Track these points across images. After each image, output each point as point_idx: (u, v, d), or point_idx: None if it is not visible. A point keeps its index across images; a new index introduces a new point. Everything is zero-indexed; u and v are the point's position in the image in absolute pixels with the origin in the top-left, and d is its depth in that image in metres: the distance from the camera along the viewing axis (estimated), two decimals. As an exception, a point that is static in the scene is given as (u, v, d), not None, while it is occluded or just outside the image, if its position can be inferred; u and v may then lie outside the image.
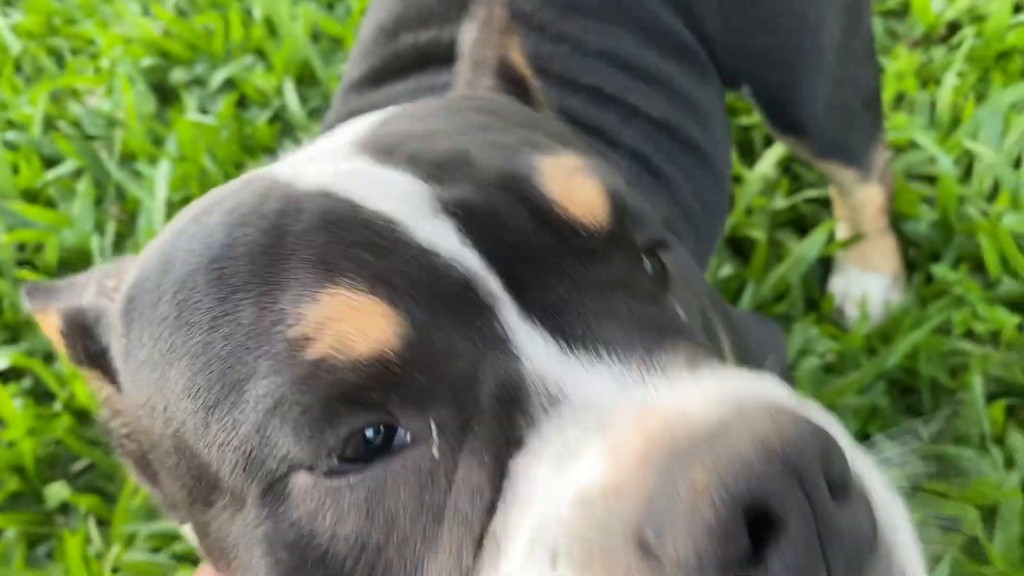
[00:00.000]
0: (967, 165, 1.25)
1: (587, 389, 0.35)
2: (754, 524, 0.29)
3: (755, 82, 0.91)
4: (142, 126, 1.50)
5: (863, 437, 0.76)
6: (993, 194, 1.21)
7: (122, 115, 1.54)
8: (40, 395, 1.22)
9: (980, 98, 1.30)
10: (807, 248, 1.17)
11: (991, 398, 1.03)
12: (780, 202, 1.25)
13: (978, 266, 1.16)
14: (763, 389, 0.35)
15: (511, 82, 0.58)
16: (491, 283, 0.38)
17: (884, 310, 1.15)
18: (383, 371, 0.36)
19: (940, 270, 1.14)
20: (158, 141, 1.51)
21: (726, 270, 1.20)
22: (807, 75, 0.92)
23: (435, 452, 0.36)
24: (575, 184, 0.42)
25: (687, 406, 0.33)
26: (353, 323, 0.36)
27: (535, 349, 0.37)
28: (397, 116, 0.48)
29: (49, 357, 1.25)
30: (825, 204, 1.24)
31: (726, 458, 0.29)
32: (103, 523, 1.09)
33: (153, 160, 1.45)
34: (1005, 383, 1.05)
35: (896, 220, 1.20)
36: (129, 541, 1.07)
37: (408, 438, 0.36)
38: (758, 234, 1.21)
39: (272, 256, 0.39)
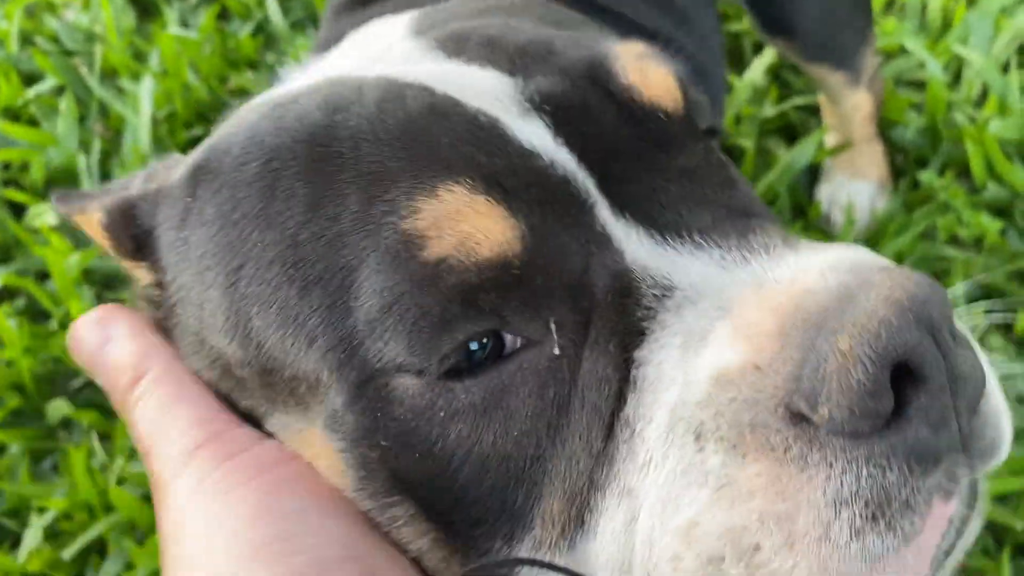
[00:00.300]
0: (956, 70, 1.25)
1: (693, 276, 0.36)
2: (893, 377, 0.31)
3: None
4: (122, 41, 1.47)
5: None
6: (981, 100, 1.21)
7: (101, 30, 1.51)
8: (35, 314, 1.23)
9: (971, 2, 1.28)
10: (796, 156, 1.18)
11: (971, 302, 1.05)
12: (769, 110, 1.25)
13: (964, 172, 1.16)
14: (862, 255, 0.36)
15: None
16: (586, 181, 0.38)
17: (870, 216, 1.16)
18: (504, 274, 0.36)
19: (927, 176, 1.15)
20: (139, 56, 1.48)
21: (714, 179, 1.21)
22: None
23: (555, 350, 0.36)
24: (648, 69, 0.42)
25: (803, 279, 0.34)
26: (474, 224, 0.36)
27: (633, 243, 0.37)
28: (444, 13, 0.47)
29: (42, 276, 1.25)
30: (814, 112, 1.24)
31: (866, 321, 0.31)
32: (104, 437, 1.12)
33: (135, 76, 1.43)
34: (987, 288, 1.07)
35: (884, 127, 1.20)
36: (132, 454, 1.09)
37: (518, 343, 0.36)
38: (746, 142, 1.21)
39: (379, 142, 0.38)
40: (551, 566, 0.36)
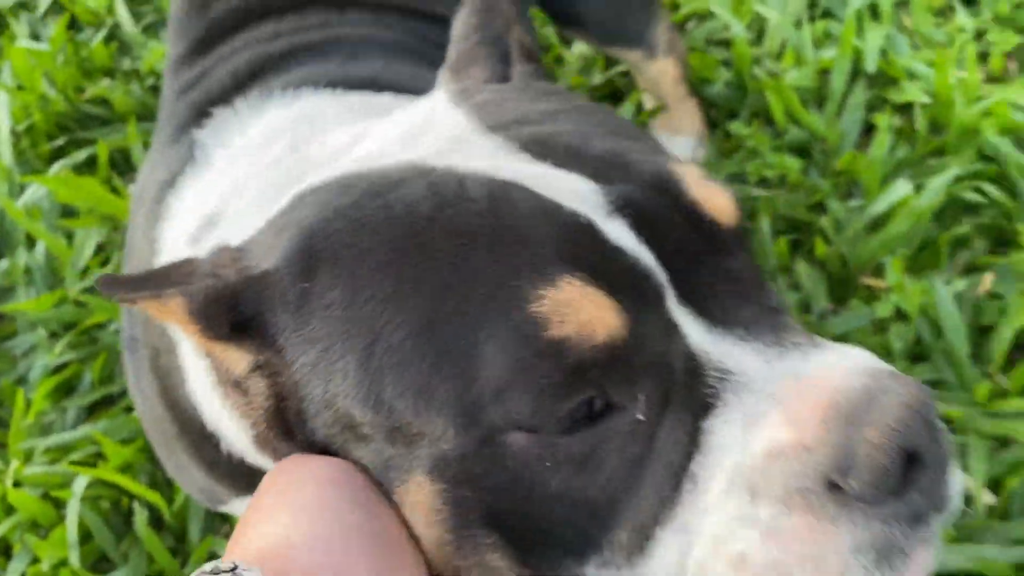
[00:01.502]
0: (759, 29, 1.38)
1: (743, 364, 0.45)
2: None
3: None
4: (-27, 58, 1.49)
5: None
6: (781, 53, 1.35)
7: (-51, 49, 1.52)
8: (-85, 335, 1.26)
9: (768, -37, 1.42)
10: (620, 119, 1.29)
11: (778, 234, 1.19)
12: (597, 78, 1.37)
13: (768, 119, 1.30)
14: (867, 358, 0.46)
15: (533, 61, 0.62)
16: (661, 276, 0.46)
17: (692, 167, 1.29)
18: (611, 354, 0.44)
19: (736, 126, 1.28)
20: (-8, 72, 1.50)
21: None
22: None
23: (640, 416, 0.45)
24: (711, 190, 0.50)
25: (833, 378, 0.44)
26: (590, 313, 0.43)
27: (695, 330, 0.46)
28: (508, 111, 0.53)
29: (-83, 298, 1.28)
30: (636, 76, 1.36)
31: (888, 419, 0.42)
32: (-1, 444, 1.16)
33: (-10, 92, 1.45)
34: (791, 220, 1.21)
35: (698, 84, 1.33)
36: (27, 457, 1.14)
37: (605, 407, 0.45)
38: (578, 110, 1.31)
39: (496, 239, 0.45)
40: None
